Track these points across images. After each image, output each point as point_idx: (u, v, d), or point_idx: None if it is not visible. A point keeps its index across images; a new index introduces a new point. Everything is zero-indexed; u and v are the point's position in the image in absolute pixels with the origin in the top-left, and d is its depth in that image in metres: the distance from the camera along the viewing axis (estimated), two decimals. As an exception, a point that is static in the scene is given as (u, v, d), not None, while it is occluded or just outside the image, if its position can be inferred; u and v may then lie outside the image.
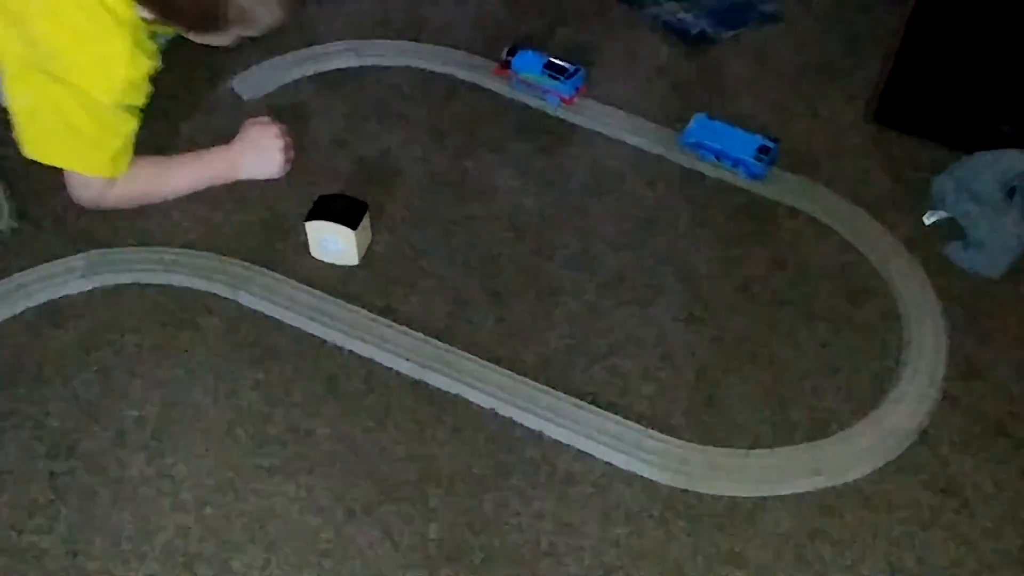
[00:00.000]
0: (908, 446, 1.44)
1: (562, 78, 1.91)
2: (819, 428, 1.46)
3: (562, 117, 1.92)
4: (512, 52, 1.96)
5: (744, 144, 1.82)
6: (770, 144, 1.83)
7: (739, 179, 1.81)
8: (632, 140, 1.88)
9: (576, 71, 1.93)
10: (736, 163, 1.82)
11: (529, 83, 1.94)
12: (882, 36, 1.96)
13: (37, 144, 1.60)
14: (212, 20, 1.57)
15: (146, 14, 1.55)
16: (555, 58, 1.94)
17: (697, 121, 1.87)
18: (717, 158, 1.84)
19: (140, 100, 1.61)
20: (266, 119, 1.76)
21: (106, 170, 1.62)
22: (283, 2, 1.59)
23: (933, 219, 1.76)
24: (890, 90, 1.90)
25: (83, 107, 1.55)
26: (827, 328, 1.60)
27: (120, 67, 1.54)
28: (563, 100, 1.93)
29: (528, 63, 1.94)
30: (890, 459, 1.43)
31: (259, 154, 1.74)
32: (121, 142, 1.61)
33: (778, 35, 2.16)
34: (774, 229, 1.75)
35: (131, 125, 1.61)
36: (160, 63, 1.62)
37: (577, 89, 1.93)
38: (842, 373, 1.54)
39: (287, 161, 1.76)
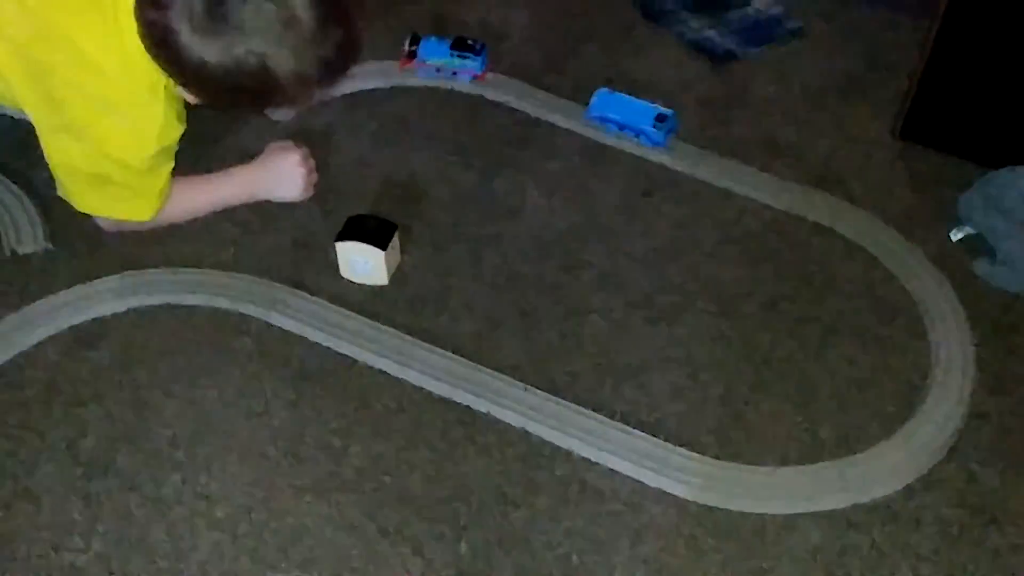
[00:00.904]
0: (937, 463, 1.44)
1: (471, 56, 1.99)
2: (847, 445, 1.46)
3: (589, 136, 1.93)
4: (415, 42, 2.02)
5: (643, 114, 1.91)
6: (666, 112, 1.91)
7: (758, 196, 1.82)
8: (657, 157, 1.89)
9: (482, 47, 2.01)
10: (637, 133, 1.91)
11: (438, 67, 2.00)
12: (907, 51, 1.97)
13: (81, 198, 1.62)
14: (260, 108, 1.60)
15: (189, 97, 1.50)
16: (458, 38, 2.02)
17: (599, 96, 1.95)
18: (620, 129, 1.92)
19: (175, 145, 1.59)
20: (289, 143, 1.76)
21: (148, 214, 1.63)
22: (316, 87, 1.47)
23: (960, 235, 1.76)
24: (916, 106, 1.90)
25: (118, 165, 1.54)
26: (855, 345, 1.60)
27: (152, 137, 1.51)
28: (476, 76, 2.00)
29: (434, 49, 2.01)
30: (919, 476, 1.42)
31: (279, 178, 1.74)
32: (160, 185, 1.61)
33: (803, 52, 2.16)
34: (801, 246, 1.75)
35: (168, 167, 1.60)
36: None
37: (485, 65, 2.01)
38: (870, 390, 1.54)
39: (309, 185, 1.76)
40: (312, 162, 1.77)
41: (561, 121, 1.96)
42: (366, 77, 2.02)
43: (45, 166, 1.75)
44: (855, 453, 1.45)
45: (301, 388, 1.50)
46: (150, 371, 1.51)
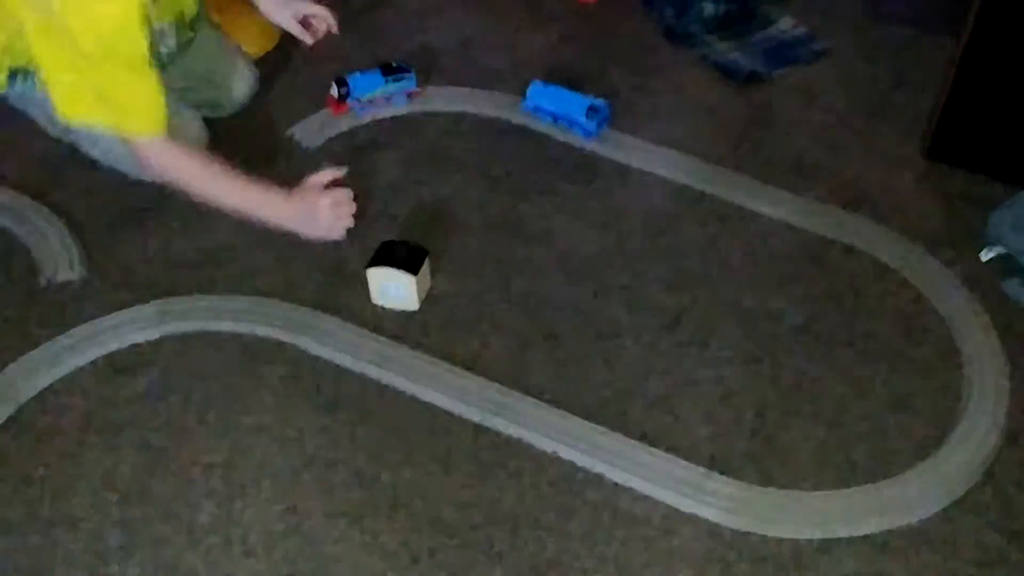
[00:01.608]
0: (972, 486, 1.43)
1: (404, 75, 2.00)
2: (881, 468, 1.46)
3: (617, 159, 1.94)
4: (343, 84, 2.00)
5: (576, 105, 1.95)
6: (598, 104, 1.95)
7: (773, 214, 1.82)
8: (684, 180, 1.90)
9: (408, 67, 2.03)
10: (571, 123, 1.97)
11: (373, 100, 1.99)
12: (934, 71, 1.97)
13: (83, 106, 1.64)
14: None
15: None
16: (383, 65, 2.02)
17: (533, 87, 2.00)
18: (555, 119, 1.98)
19: (141, 46, 1.59)
20: (326, 177, 1.72)
21: (148, 126, 1.64)
22: None
23: (991, 255, 1.75)
24: (944, 125, 1.90)
25: (109, 77, 1.58)
26: (887, 367, 1.59)
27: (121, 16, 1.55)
28: (412, 94, 2.03)
29: (366, 82, 2.01)
30: (954, 499, 1.42)
31: (309, 218, 1.71)
32: (150, 93, 1.62)
33: (828, 72, 2.16)
34: (830, 268, 1.75)
35: (154, 77, 1.62)
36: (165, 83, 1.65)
37: (417, 82, 2.03)
38: (903, 412, 1.53)
39: (339, 228, 1.72)
40: (350, 203, 1.72)
41: (586, 144, 1.97)
42: (394, 104, 2.04)
43: (80, 195, 1.79)
44: (889, 477, 1.44)
45: (334, 414, 1.51)
46: (185, 398, 1.53)
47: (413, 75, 2.02)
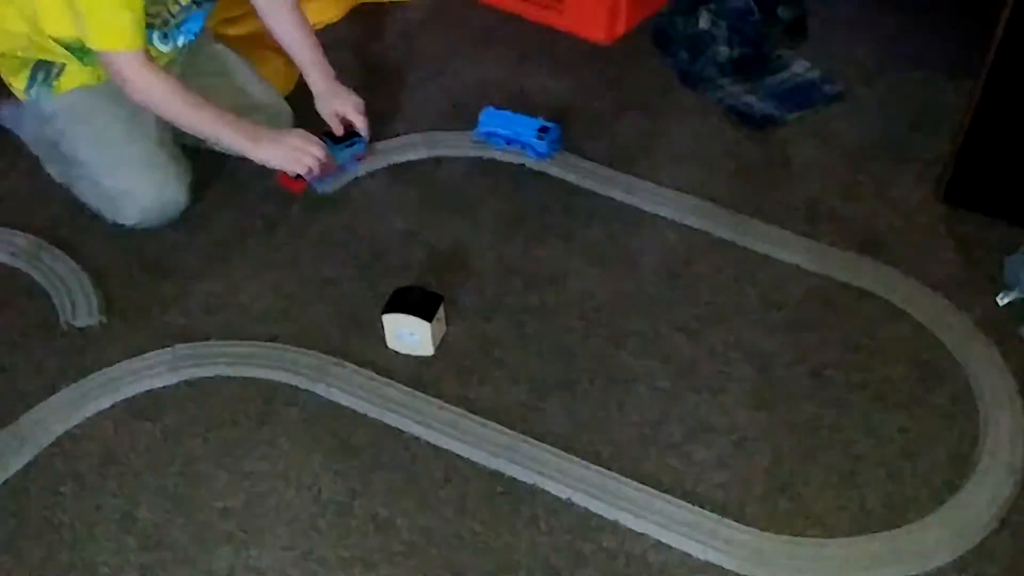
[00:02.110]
0: (988, 534, 1.42)
1: (356, 140, 1.99)
2: (897, 516, 1.45)
3: (631, 203, 1.95)
4: None
5: (527, 128, 2.00)
6: (549, 125, 2.01)
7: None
8: (699, 224, 1.90)
9: (357, 133, 1.99)
10: (523, 146, 2.01)
11: (330, 171, 1.94)
12: (948, 114, 1.98)
13: (54, 20, 1.76)
14: None
15: None
16: (327, 133, 1.98)
17: (485, 114, 2.04)
18: (507, 143, 2.02)
19: None
20: (313, 136, 1.87)
21: (118, 42, 1.72)
22: None
23: (1007, 299, 1.75)
24: (960, 169, 1.90)
25: None
26: (902, 413, 1.59)
27: None
28: (361, 157, 2.01)
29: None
30: (970, 547, 1.41)
31: (277, 146, 1.84)
32: (122, 11, 1.69)
33: (843, 115, 2.17)
34: (845, 312, 1.75)
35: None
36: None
37: (365, 144, 2.01)
38: (919, 459, 1.53)
39: (296, 159, 1.84)
40: (319, 148, 1.86)
41: (602, 189, 1.98)
42: (409, 149, 2.06)
43: (98, 239, 1.82)
44: (905, 524, 1.44)
45: (349, 460, 1.52)
46: (202, 443, 1.54)
47: (363, 141, 1.99)
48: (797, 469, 1.51)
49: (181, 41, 1.91)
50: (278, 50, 2.06)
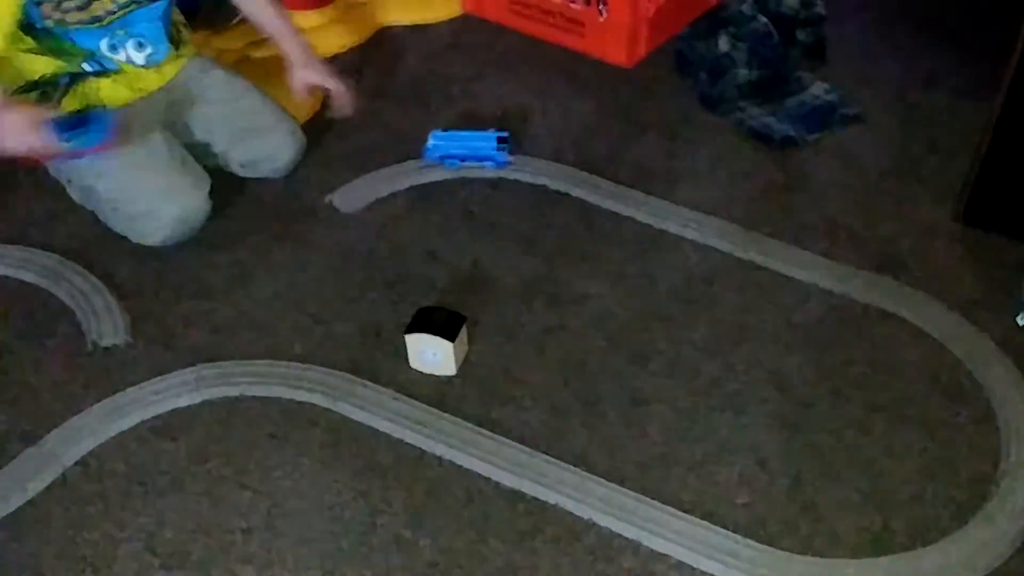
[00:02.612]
0: (1012, 553, 1.42)
1: (94, 127, 1.78)
2: (919, 536, 1.45)
3: (650, 224, 1.96)
4: None
5: (484, 141, 2.05)
6: (504, 134, 2.06)
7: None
8: (720, 245, 1.91)
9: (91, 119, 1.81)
10: (482, 160, 2.06)
11: (62, 154, 1.84)
12: (968, 135, 1.98)
13: None
14: None
15: None
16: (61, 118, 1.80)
17: (433, 138, 2.06)
18: (463, 161, 2.05)
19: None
20: (37, 118, 1.73)
21: None
22: None
23: (1028, 319, 1.75)
24: (978, 190, 1.90)
25: None
26: (923, 433, 1.59)
27: None
28: (106, 145, 1.79)
29: None
30: (994, 567, 1.41)
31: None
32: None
33: (862, 136, 2.18)
34: (865, 333, 1.75)
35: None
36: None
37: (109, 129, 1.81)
38: (940, 478, 1.52)
39: (17, 146, 1.75)
40: (29, 139, 1.73)
41: (623, 209, 1.99)
42: (433, 170, 2.08)
43: (124, 259, 1.84)
44: (928, 544, 1.44)
45: (371, 479, 1.53)
46: (225, 462, 1.55)
47: (105, 128, 1.80)
48: (819, 489, 1.51)
49: (139, 52, 1.89)
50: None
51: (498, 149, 2.05)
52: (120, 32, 1.86)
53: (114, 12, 1.83)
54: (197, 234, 1.90)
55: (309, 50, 2.03)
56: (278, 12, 2.02)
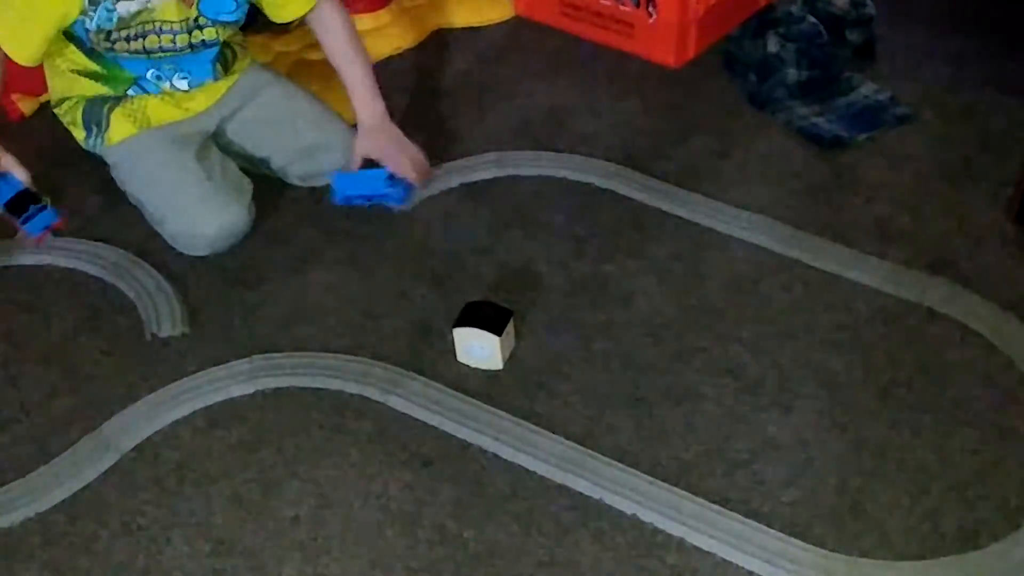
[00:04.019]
0: (1066, 558, 1.40)
1: (37, 211, 1.75)
2: (970, 539, 1.43)
3: (698, 222, 1.96)
4: (17, 209, 1.75)
5: (376, 180, 1.92)
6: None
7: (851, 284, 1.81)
8: (767, 243, 1.90)
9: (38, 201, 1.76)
10: (382, 198, 1.93)
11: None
12: (1019, 135, 1.96)
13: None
14: None
15: None
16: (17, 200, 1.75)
17: (336, 180, 1.93)
18: (369, 200, 1.94)
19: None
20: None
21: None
22: None
23: (1083, 322, 1.73)
24: (1032, 190, 1.88)
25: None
26: (974, 434, 1.57)
27: None
28: (54, 228, 1.79)
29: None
30: (1047, 572, 1.39)
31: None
32: (36, 41, 1.76)
33: (913, 136, 2.16)
34: (915, 332, 1.74)
35: (39, 26, 1.75)
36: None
37: (47, 227, 1.78)
38: (992, 481, 1.51)
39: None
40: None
41: (670, 207, 1.99)
42: (483, 168, 2.10)
43: (182, 253, 1.87)
44: (978, 547, 1.42)
45: (417, 471, 1.55)
46: (276, 452, 1.58)
47: (48, 211, 1.77)
48: (866, 489, 1.50)
49: (184, 84, 1.91)
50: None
51: (391, 186, 1.91)
52: (168, 67, 1.89)
53: (166, 51, 1.84)
54: (253, 229, 1.93)
55: (379, 115, 1.93)
56: (355, 58, 1.93)
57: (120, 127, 1.90)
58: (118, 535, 1.48)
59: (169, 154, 1.88)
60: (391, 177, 1.91)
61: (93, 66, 1.86)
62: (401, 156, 1.90)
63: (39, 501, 1.52)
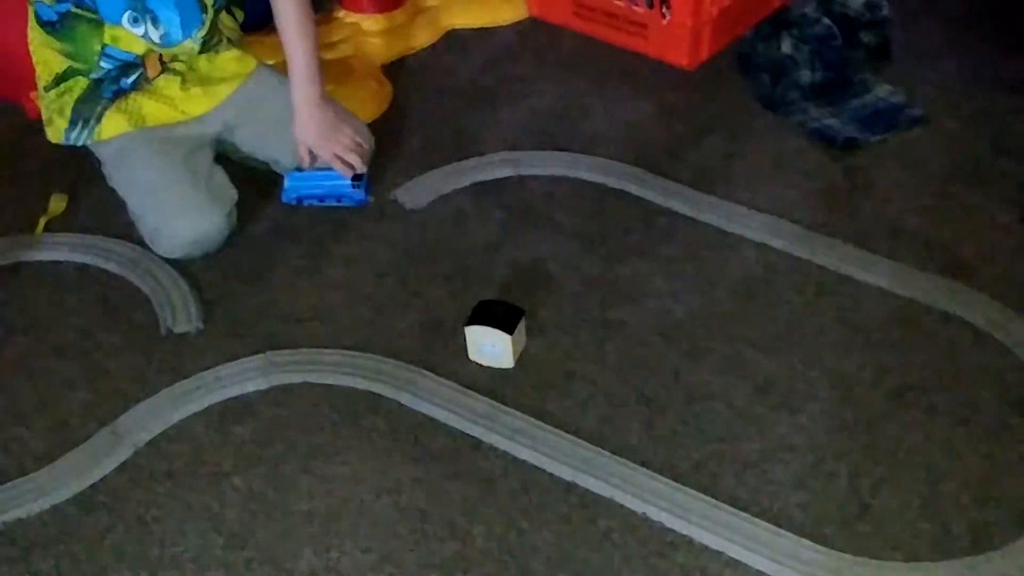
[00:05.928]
0: (1077, 562, 1.40)
1: None
2: (981, 542, 1.43)
3: (710, 223, 1.96)
4: None
5: (339, 179, 1.96)
6: (361, 171, 1.98)
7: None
8: (779, 245, 1.91)
9: None
10: (340, 198, 1.99)
11: None
12: (1035, 137, 1.96)
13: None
14: None
15: None
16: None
17: (289, 179, 1.99)
18: (321, 201, 1.99)
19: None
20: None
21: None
22: None
23: (1096, 326, 1.72)
24: (1046, 193, 1.88)
25: None
26: (986, 437, 1.57)
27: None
28: None
29: None
30: (1056, 576, 1.39)
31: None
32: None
33: (926, 138, 2.15)
34: (927, 335, 1.74)
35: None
36: None
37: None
38: (1004, 484, 1.51)
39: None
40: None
41: (682, 208, 1.99)
42: (495, 166, 2.10)
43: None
44: (990, 551, 1.42)
45: (429, 467, 1.55)
46: (289, 447, 1.59)
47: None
48: (877, 491, 1.50)
49: (156, 35, 1.85)
50: (372, 74, 2.09)
51: (353, 187, 1.97)
52: (145, 10, 1.84)
53: None
54: (268, 226, 1.96)
55: (312, 99, 1.92)
56: (297, 41, 1.91)
57: (113, 123, 1.91)
58: (132, 528, 1.49)
59: (156, 153, 1.88)
60: (355, 177, 1.96)
61: (57, 43, 1.86)
62: (332, 148, 1.94)
63: (54, 493, 1.53)
